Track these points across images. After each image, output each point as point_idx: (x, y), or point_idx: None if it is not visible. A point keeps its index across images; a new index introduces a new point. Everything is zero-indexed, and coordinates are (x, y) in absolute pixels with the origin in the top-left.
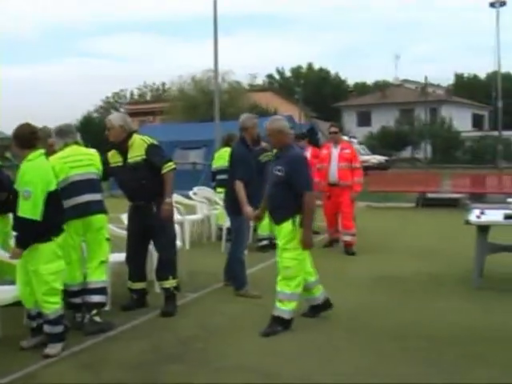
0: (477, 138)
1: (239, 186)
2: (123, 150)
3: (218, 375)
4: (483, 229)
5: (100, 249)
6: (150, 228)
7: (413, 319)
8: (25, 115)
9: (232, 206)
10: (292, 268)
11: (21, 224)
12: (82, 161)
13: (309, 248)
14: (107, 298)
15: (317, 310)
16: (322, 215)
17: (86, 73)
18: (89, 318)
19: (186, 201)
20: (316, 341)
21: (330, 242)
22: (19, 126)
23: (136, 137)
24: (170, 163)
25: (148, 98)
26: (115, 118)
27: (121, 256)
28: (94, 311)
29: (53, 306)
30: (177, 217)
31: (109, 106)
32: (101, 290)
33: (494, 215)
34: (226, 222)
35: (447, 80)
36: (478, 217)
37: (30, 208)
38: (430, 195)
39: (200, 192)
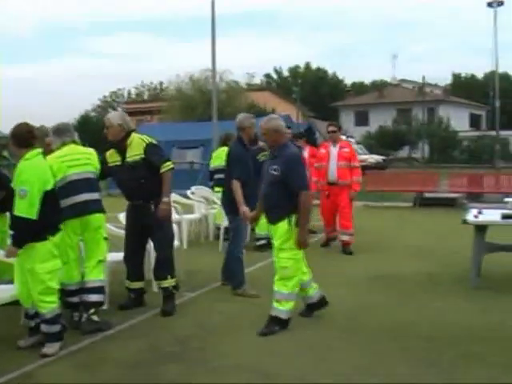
0: (474, 138)
1: (236, 186)
2: (122, 148)
3: (215, 374)
4: (481, 228)
5: (98, 248)
6: (148, 227)
7: (411, 319)
8: (22, 114)
9: (230, 206)
10: (289, 268)
11: (17, 223)
12: (80, 160)
13: (304, 248)
14: (105, 297)
15: (312, 308)
16: (319, 214)
17: (84, 72)
18: (86, 317)
19: (184, 200)
20: (313, 340)
21: (327, 240)
22: (17, 125)
23: (135, 136)
24: (168, 163)
25: (145, 97)
26: (114, 116)
27: (118, 255)
28: (92, 310)
29: (49, 305)
30: (174, 216)
31: (106, 105)
32: (98, 289)
33: (491, 215)
34: (224, 222)
35: (445, 80)
36: (476, 216)
37: (26, 207)
38: (427, 195)
39: (198, 191)
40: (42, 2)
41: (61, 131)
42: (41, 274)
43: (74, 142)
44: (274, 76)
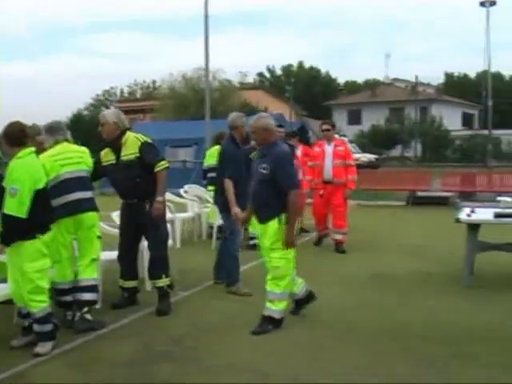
0: (467, 137)
1: (228, 185)
2: (116, 147)
3: (209, 374)
4: (473, 227)
5: (91, 247)
6: (142, 226)
7: (405, 318)
8: (15, 114)
9: (224, 204)
10: (281, 267)
11: (6, 221)
12: (73, 158)
13: (291, 247)
14: (98, 296)
15: (301, 304)
16: (311, 213)
17: (82, 71)
18: (79, 315)
19: (177, 199)
20: (306, 339)
21: (319, 239)
22: (9, 124)
23: (130, 134)
24: (163, 162)
25: (138, 95)
26: (109, 113)
27: (111, 254)
28: (85, 309)
29: (39, 304)
30: (168, 215)
31: (99, 103)
32: (92, 288)
33: (484, 214)
34: (217, 220)
35: (437, 79)
36: (469, 215)
37: (16, 206)
38: (420, 194)
39: (191, 190)
40: (40, 1)
41: (53, 130)
42: (29, 273)
43: (66, 140)
44: (267, 75)
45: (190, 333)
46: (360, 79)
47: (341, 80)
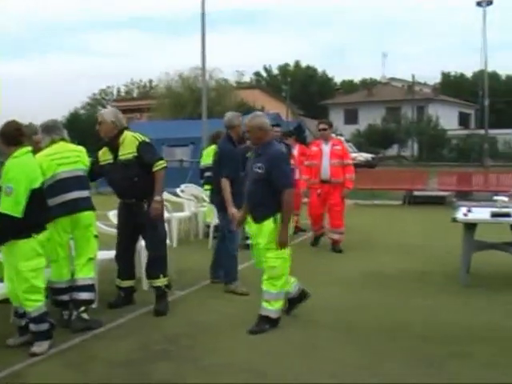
0: (463, 137)
1: (225, 184)
2: (114, 146)
3: (206, 373)
4: (470, 226)
5: (88, 246)
6: (140, 226)
7: (403, 317)
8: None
9: (221, 203)
10: (278, 267)
11: (1, 220)
12: (69, 157)
13: (284, 247)
14: (95, 296)
15: (294, 302)
16: (307, 213)
17: (73, 70)
18: (76, 314)
19: (174, 198)
20: (303, 339)
21: (316, 238)
22: (5, 123)
23: (127, 133)
24: (161, 161)
25: (135, 95)
26: (107, 112)
27: (108, 253)
28: (82, 308)
29: (34, 303)
30: (165, 214)
31: (96, 102)
32: (89, 287)
33: (480, 213)
34: (214, 220)
35: (434, 78)
36: (465, 214)
37: (12, 205)
38: (416, 193)
39: (187, 189)
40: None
41: (50, 129)
42: (24, 272)
43: (63, 139)
44: (264, 74)
45: (186, 332)
46: (357, 79)
47: (337, 79)
